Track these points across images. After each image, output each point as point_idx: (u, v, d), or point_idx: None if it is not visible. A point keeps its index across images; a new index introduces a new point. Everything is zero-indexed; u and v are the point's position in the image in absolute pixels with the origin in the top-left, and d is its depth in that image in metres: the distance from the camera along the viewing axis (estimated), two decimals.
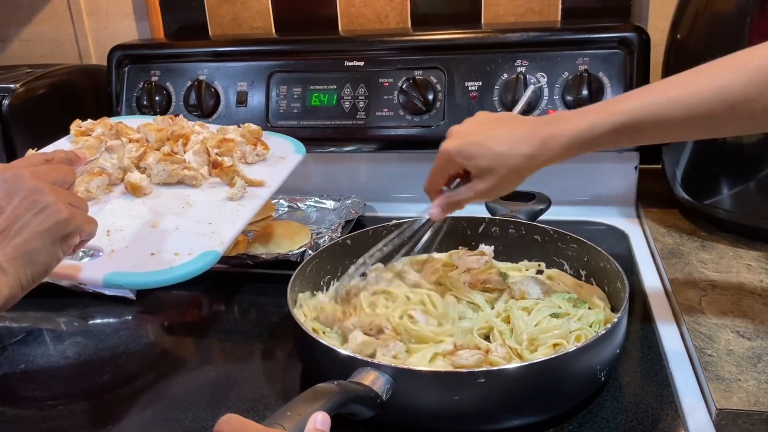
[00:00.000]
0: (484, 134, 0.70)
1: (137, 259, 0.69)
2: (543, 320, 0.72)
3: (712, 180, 0.97)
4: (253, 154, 0.93)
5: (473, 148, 0.70)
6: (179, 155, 0.89)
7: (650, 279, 0.90)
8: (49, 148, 0.91)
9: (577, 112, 0.68)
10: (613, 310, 0.77)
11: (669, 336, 0.77)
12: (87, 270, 0.68)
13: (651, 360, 0.73)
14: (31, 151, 0.88)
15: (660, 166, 1.10)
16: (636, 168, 1.11)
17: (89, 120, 0.97)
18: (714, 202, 0.97)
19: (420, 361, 0.67)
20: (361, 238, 0.90)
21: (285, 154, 0.97)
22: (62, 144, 0.94)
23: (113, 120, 0.97)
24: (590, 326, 0.73)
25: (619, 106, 0.65)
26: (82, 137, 0.93)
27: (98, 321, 0.91)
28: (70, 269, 0.68)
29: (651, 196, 1.13)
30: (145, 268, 0.67)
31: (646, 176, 1.13)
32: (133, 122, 0.98)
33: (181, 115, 1.01)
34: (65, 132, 1.21)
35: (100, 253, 0.72)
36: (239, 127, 0.98)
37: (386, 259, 0.83)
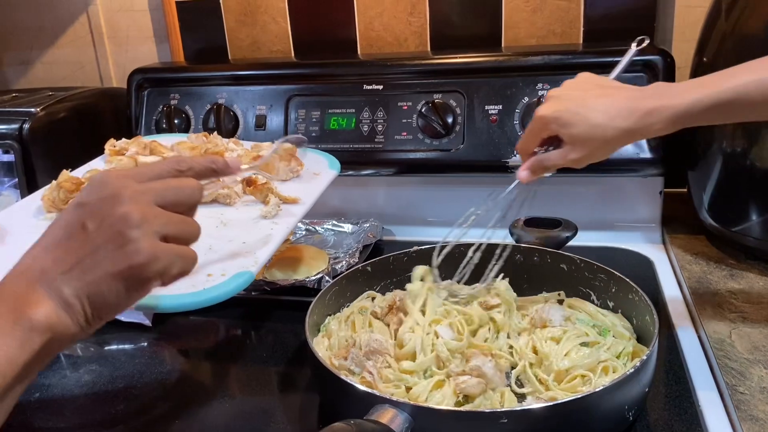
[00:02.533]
0: (583, 103, 0.69)
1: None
2: (573, 349, 0.70)
3: (740, 206, 0.95)
4: (287, 170, 0.92)
5: (569, 116, 0.69)
6: None
7: (677, 309, 0.87)
8: (82, 169, 0.91)
9: (679, 86, 0.67)
10: (640, 341, 0.74)
11: (698, 371, 0.74)
12: None
13: (680, 396, 0.70)
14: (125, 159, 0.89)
15: (685, 190, 1.08)
16: (660, 193, 1.09)
17: (123, 139, 0.97)
18: (742, 229, 0.95)
19: (424, 388, 0.66)
20: (381, 264, 0.88)
21: (319, 170, 0.97)
22: (96, 164, 0.95)
23: (147, 139, 0.97)
24: (617, 357, 0.70)
25: (725, 82, 0.65)
26: (116, 157, 0.93)
27: (114, 347, 0.90)
28: None
29: (676, 221, 1.10)
30: (177, 290, 0.63)
31: (671, 201, 1.11)
32: (167, 140, 0.99)
33: (215, 132, 1.00)
34: (85, 155, 1.22)
35: None
36: (273, 143, 0.97)
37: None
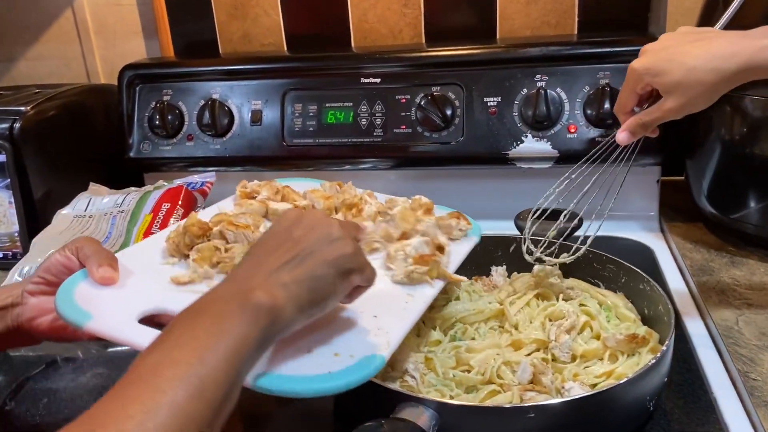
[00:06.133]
0: (678, 49, 0.67)
1: (293, 356, 0.57)
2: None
3: (739, 193, 0.96)
4: (457, 229, 0.82)
5: (662, 64, 0.68)
6: None
7: (681, 297, 0.89)
8: (209, 212, 0.83)
9: None
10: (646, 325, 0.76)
11: (708, 359, 0.75)
12: None
13: (693, 384, 0.71)
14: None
15: (683, 177, 1.09)
16: (658, 182, 1.10)
17: (255, 181, 0.90)
18: (741, 216, 0.96)
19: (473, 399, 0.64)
20: None
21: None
22: (225, 205, 0.87)
23: (279, 183, 0.90)
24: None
25: None
26: (247, 200, 0.86)
27: (119, 349, 0.89)
28: None
29: (674, 209, 1.12)
30: (301, 369, 0.55)
31: (668, 188, 1.12)
32: (299, 186, 0.92)
33: (350, 183, 0.93)
34: (77, 154, 1.20)
35: None
36: (409, 199, 0.89)
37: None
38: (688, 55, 0.66)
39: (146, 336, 0.58)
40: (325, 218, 0.59)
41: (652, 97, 0.73)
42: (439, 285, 0.71)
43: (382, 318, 0.64)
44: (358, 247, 0.59)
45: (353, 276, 0.57)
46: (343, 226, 0.59)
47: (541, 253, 0.80)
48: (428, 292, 0.69)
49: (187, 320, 0.49)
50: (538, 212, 0.83)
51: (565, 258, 0.79)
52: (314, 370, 0.55)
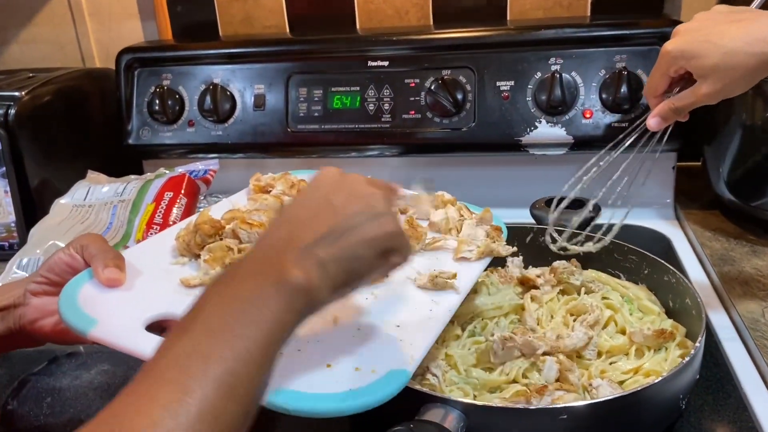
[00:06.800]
0: (715, 29, 0.64)
1: (310, 370, 0.52)
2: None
3: (760, 180, 0.94)
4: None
5: (697, 46, 0.63)
6: None
7: (703, 288, 0.86)
8: (220, 208, 0.78)
9: None
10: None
11: (735, 353, 0.73)
12: None
13: (720, 380, 0.69)
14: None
15: (699, 163, 1.06)
16: (674, 168, 1.07)
17: (270, 174, 0.86)
18: (762, 204, 0.94)
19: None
20: None
21: None
22: (239, 198, 0.84)
23: (295, 176, 0.85)
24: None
25: None
26: (261, 195, 0.82)
27: None
28: None
29: (689, 196, 1.09)
30: (322, 386, 0.50)
31: (682, 175, 1.09)
32: None
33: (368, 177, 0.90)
34: (73, 141, 1.16)
35: None
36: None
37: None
38: (726, 36, 0.63)
39: (154, 345, 0.55)
40: (367, 186, 0.53)
41: (684, 79, 0.69)
42: (465, 290, 0.67)
43: (405, 328, 0.59)
44: (399, 223, 0.53)
45: (392, 257, 0.52)
46: (384, 195, 0.53)
47: (565, 242, 0.77)
48: (453, 298, 0.65)
49: (218, 302, 0.44)
50: (563, 201, 0.80)
51: (590, 247, 0.76)
52: (334, 387, 0.50)
